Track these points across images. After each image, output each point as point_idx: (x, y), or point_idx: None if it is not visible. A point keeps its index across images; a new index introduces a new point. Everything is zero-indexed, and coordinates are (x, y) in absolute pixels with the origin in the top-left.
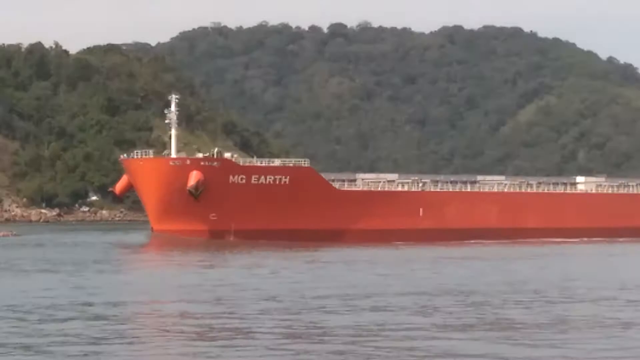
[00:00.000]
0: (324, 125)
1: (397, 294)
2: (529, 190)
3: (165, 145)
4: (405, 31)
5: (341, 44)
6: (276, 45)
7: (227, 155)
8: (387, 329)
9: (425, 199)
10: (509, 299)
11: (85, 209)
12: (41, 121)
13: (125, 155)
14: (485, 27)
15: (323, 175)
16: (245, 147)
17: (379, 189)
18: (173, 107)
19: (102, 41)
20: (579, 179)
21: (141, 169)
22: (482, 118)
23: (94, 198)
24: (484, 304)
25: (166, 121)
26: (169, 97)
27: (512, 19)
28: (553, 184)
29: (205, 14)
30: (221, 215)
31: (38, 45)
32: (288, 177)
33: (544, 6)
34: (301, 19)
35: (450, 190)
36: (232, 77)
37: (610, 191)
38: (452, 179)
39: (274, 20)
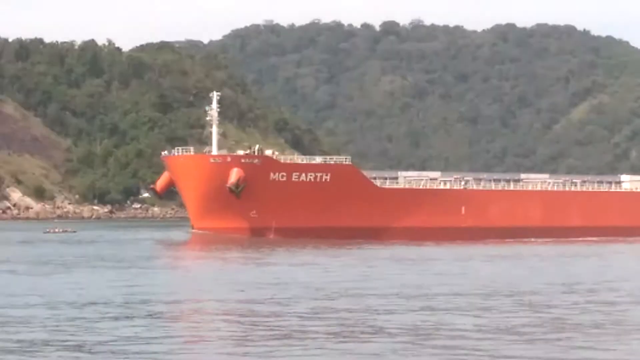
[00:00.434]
0: (376, 124)
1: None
2: (572, 188)
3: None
4: (458, 29)
5: (393, 42)
6: (328, 43)
7: (268, 152)
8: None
9: (468, 197)
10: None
11: (137, 205)
12: (93, 118)
13: (166, 152)
14: (538, 25)
15: (365, 172)
16: (297, 145)
17: (421, 186)
18: (214, 104)
19: (155, 39)
20: (624, 177)
21: (182, 166)
22: (534, 116)
23: (146, 195)
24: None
25: (207, 118)
26: (217, 94)
27: (565, 16)
28: (598, 182)
29: (258, 12)
30: (262, 213)
31: (91, 43)
32: (329, 174)
33: (597, 4)
34: (353, 16)
35: (493, 188)
36: (284, 75)
37: None
38: (495, 177)
39: (326, 18)
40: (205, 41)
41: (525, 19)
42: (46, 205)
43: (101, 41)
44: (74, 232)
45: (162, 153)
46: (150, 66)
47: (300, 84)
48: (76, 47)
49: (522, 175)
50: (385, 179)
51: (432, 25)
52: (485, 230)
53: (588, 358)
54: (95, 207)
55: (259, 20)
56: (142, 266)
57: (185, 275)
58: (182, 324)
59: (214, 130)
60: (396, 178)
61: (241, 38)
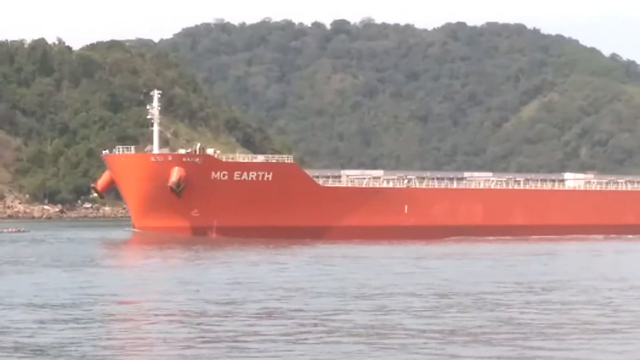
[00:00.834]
0: (327, 122)
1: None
2: (515, 187)
3: (168, 142)
4: (408, 28)
5: (344, 40)
6: (279, 41)
7: (210, 151)
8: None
9: (411, 196)
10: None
11: (88, 205)
12: (44, 117)
13: (107, 151)
14: (488, 23)
15: (307, 171)
16: (248, 144)
17: (364, 185)
18: (155, 103)
19: (105, 37)
20: (567, 175)
21: (123, 165)
22: (485, 115)
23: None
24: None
25: (148, 116)
26: (158, 93)
27: (515, 15)
28: (541, 180)
29: (208, 10)
30: (203, 212)
31: (41, 42)
32: (271, 173)
33: (547, 3)
34: (304, 15)
35: (436, 187)
36: (235, 74)
37: (598, 188)
38: (438, 176)
39: (276, 17)
40: (156, 40)
41: (475, 18)
42: None
43: (51, 40)
44: (27, 231)
45: (103, 152)
46: (101, 65)
47: (251, 82)
48: (26, 45)
49: (466, 174)
50: (328, 177)
51: (383, 23)
52: (428, 229)
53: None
54: (45, 207)
55: (210, 19)
56: (65, 267)
57: (112, 276)
58: (116, 325)
59: (155, 129)
60: (339, 177)
61: (192, 37)
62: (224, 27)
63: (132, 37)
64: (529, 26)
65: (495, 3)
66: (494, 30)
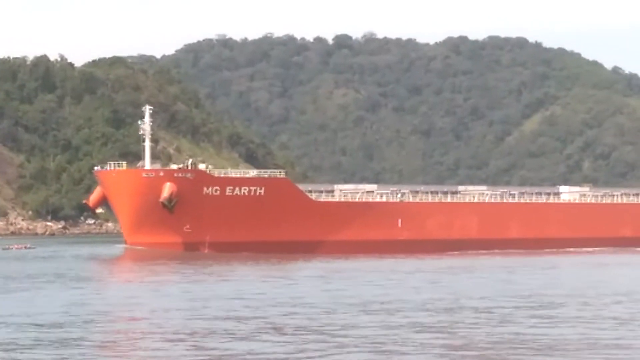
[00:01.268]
0: (329, 137)
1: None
2: (510, 200)
3: (171, 158)
4: (410, 42)
5: (346, 55)
6: (281, 57)
7: (202, 166)
8: None
9: (404, 210)
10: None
11: (91, 221)
12: (46, 134)
13: (99, 167)
14: (490, 37)
15: (300, 186)
16: (251, 159)
17: (357, 199)
18: (147, 118)
19: (107, 54)
20: (562, 188)
21: (114, 180)
22: (487, 128)
23: (100, 210)
24: None
25: (140, 132)
26: (150, 108)
27: (517, 29)
28: (536, 194)
29: (210, 26)
30: (195, 228)
31: (43, 58)
32: (263, 188)
33: (549, 16)
34: (306, 30)
35: (430, 200)
36: (237, 89)
37: (594, 201)
38: (432, 190)
39: (278, 32)
40: (158, 56)
41: (477, 32)
42: None
43: (53, 56)
44: (34, 248)
45: (95, 168)
46: (103, 81)
47: (254, 97)
48: (28, 62)
49: (460, 188)
50: (321, 192)
51: (385, 38)
52: (422, 243)
53: None
54: (48, 223)
55: (212, 35)
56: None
57: (97, 294)
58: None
59: (147, 144)
60: (332, 191)
61: (194, 52)
62: (226, 43)
63: (134, 53)
64: (531, 40)
65: (497, 17)
66: (496, 44)
